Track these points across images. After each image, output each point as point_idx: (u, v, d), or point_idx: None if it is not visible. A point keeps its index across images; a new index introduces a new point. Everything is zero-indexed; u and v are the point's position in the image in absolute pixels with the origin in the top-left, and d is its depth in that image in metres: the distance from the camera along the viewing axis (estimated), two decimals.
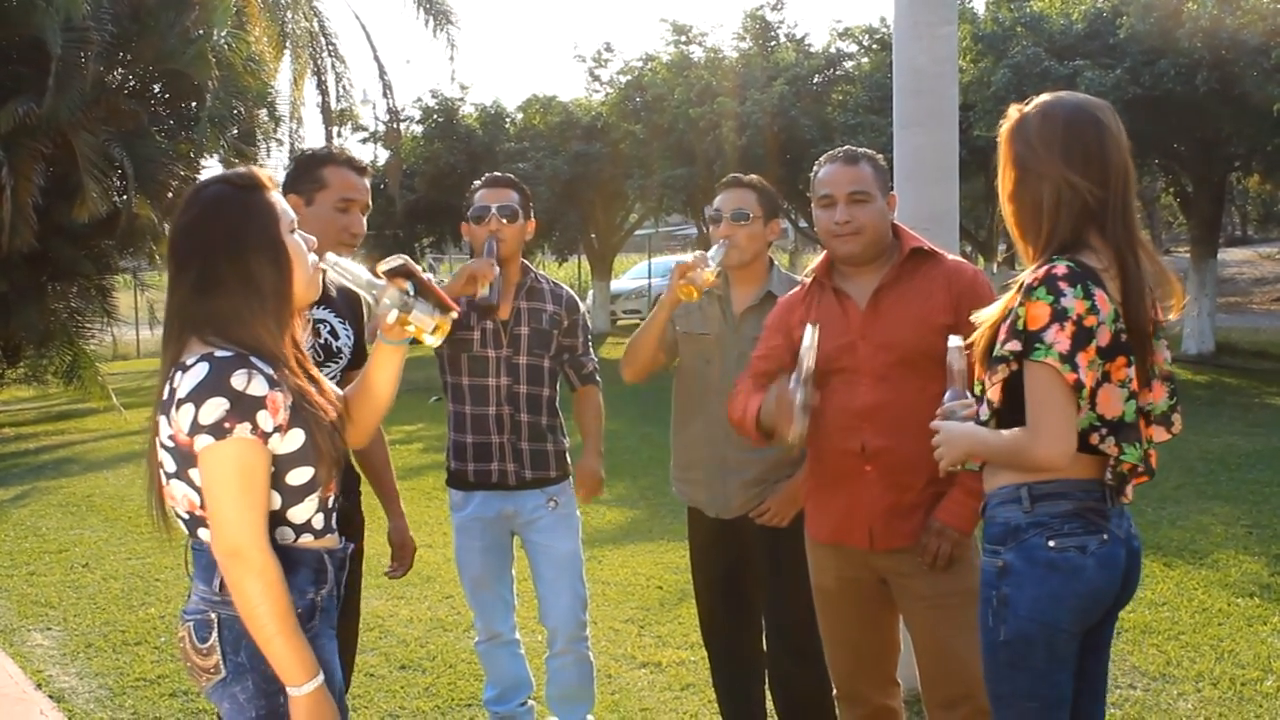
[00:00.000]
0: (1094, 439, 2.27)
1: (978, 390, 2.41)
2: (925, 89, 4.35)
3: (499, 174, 3.79)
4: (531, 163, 20.71)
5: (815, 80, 19.14)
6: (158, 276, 17.49)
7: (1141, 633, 4.91)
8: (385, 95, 21.57)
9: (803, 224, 20.36)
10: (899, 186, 4.18)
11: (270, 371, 2.03)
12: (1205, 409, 11.46)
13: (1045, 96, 2.40)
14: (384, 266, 2.15)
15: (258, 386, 1.99)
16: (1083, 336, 2.19)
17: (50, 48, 11.45)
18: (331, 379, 3.03)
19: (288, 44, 18.82)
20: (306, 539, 2.13)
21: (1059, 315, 2.19)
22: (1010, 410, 2.29)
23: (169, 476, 2.07)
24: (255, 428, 1.98)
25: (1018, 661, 2.31)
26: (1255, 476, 8.22)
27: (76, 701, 4.58)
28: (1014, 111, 2.40)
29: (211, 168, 14.43)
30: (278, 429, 2.01)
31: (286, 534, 2.10)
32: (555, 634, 3.74)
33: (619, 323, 25.78)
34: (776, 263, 3.58)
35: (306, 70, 19.82)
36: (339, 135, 22.07)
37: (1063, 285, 2.20)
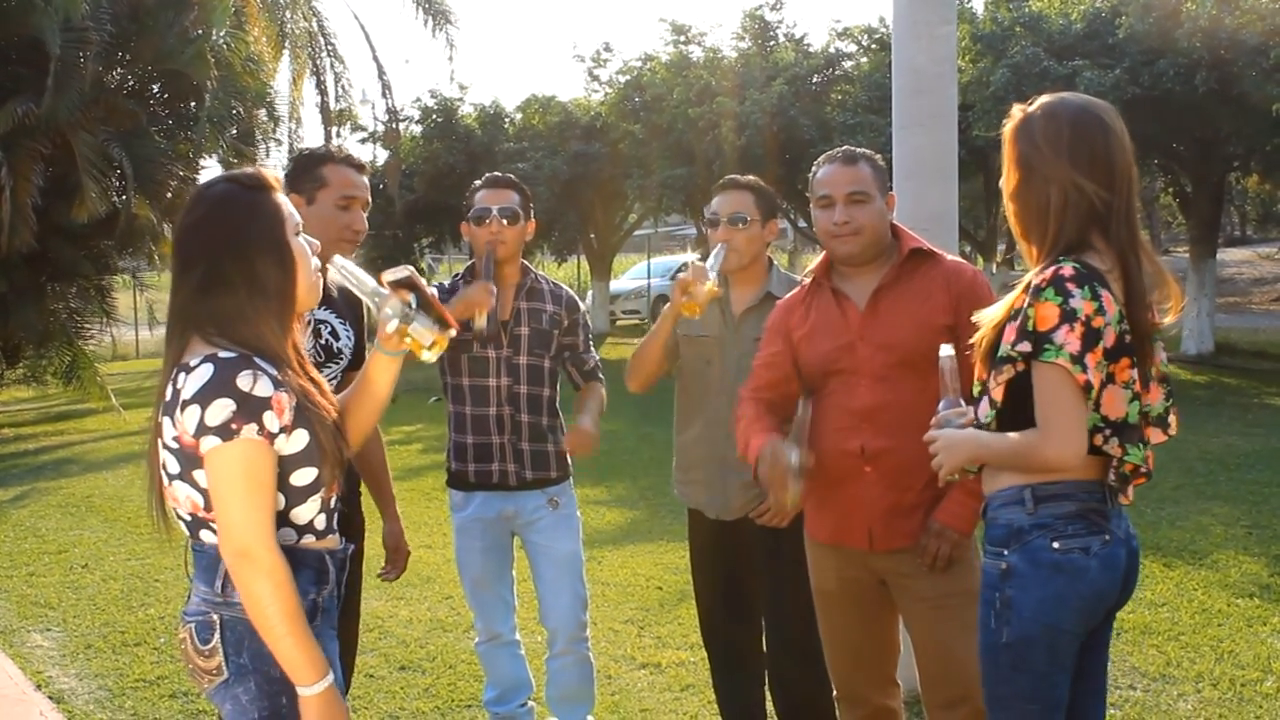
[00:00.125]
0: (1098, 440, 2.27)
1: (976, 390, 2.41)
2: (924, 89, 4.35)
3: (499, 174, 3.79)
4: (530, 163, 20.71)
5: (814, 80, 19.16)
6: (157, 277, 17.49)
7: (1141, 633, 4.91)
8: (384, 95, 21.57)
9: (802, 224, 20.37)
10: (898, 186, 4.18)
11: (274, 372, 2.03)
12: (1204, 409, 11.47)
13: (1049, 97, 2.40)
14: (389, 276, 2.16)
15: (263, 387, 1.99)
16: (1091, 337, 2.20)
17: (49, 48, 11.44)
18: (332, 380, 3.04)
19: (286, 44, 18.82)
20: (309, 540, 2.13)
21: (1068, 316, 2.19)
22: (1012, 411, 2.29)
23: (171, 478, 2.07)
24: (262, 428, 1.98)
25: (1019, 664, 2.31)
26: (1254, 477, 8.23)
27: (76, 702, 4.58)
28: (1018, 111, 2.40)
29: (210, 168, 14.46)
30: (283, 429, 2.01)
31: (289, 535, 2.10)
32: (555, 635, 3.74)
33: (618, 323, 25.80)
34: (776, 263, 3.57)
35: (305, 70, 19.81)
36: (338, 135, 22.08)
37: (1070, 286, 2.21)
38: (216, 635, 2.06)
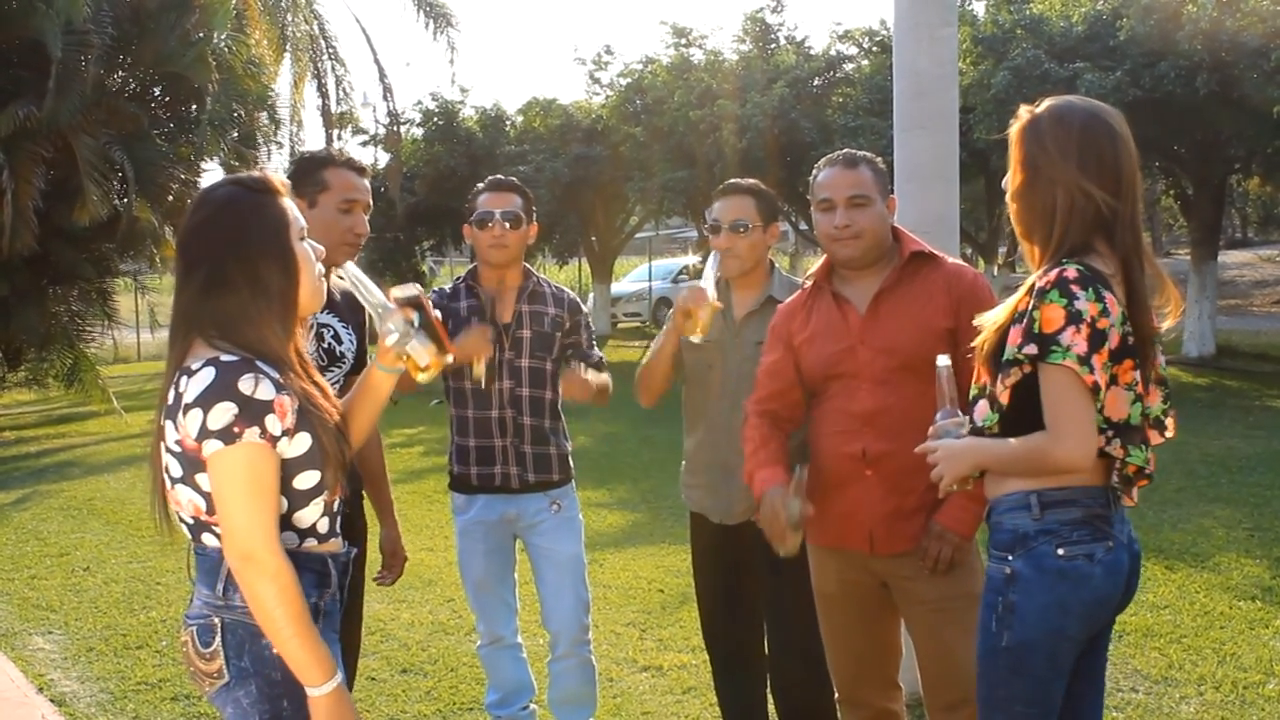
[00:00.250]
0: (1100, 441, 2.27)
1: (974, 393, 2.41)
2: (925, 91, 4.35)
3: (502, 178, 3.79)
4: (532, 165, 20.71)
5: (815, 83, 19.16)
6: (158, 280, 17.51)
7: (1143, 636, 4.90)
8: (385, 98, 21.62)
9: (803, 227, 20.37)
10: (899, 189, 4.18)
11: (276, 375, 2.03)
12: (1206, 412, 11.46)
13: (1057, 99, 2.39)
14: (397, 293, 2.21)
15: (265, 390, 1.99)
16: (1097, 339, 2.20)
17: (50, 51, 11.45)
18: (334, 384, 3.04)
19: (288, 47, 18.86)
20: (311, 543, 2.13)
21: (1074, 318, 2.19)
22: (1017, 414, 2.29)
23: (174, 481, 2.07)
24: (264, 432, 1.98)
25: (1019, 667, 2.31)
26: (1256, 479, 8.22)
27: (78, 705, 4.58)
28: (1025, 112, 2.39)
29: (212, 171, 14.47)
30: (285, 433, 2.01)
31: (291, 539, 2.09)
32: (558, 638, 3.74)
33: (619, 326, 25.81)
34: (777, 266, 3.57)
35: (306, 73, 19.86)
36: (339, 138, 22.11)
37: (1075, 288, 2.21)
38: (218, 638, 2.06)
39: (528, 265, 3.78)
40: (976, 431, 2.37)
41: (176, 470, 2.05)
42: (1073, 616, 2.29)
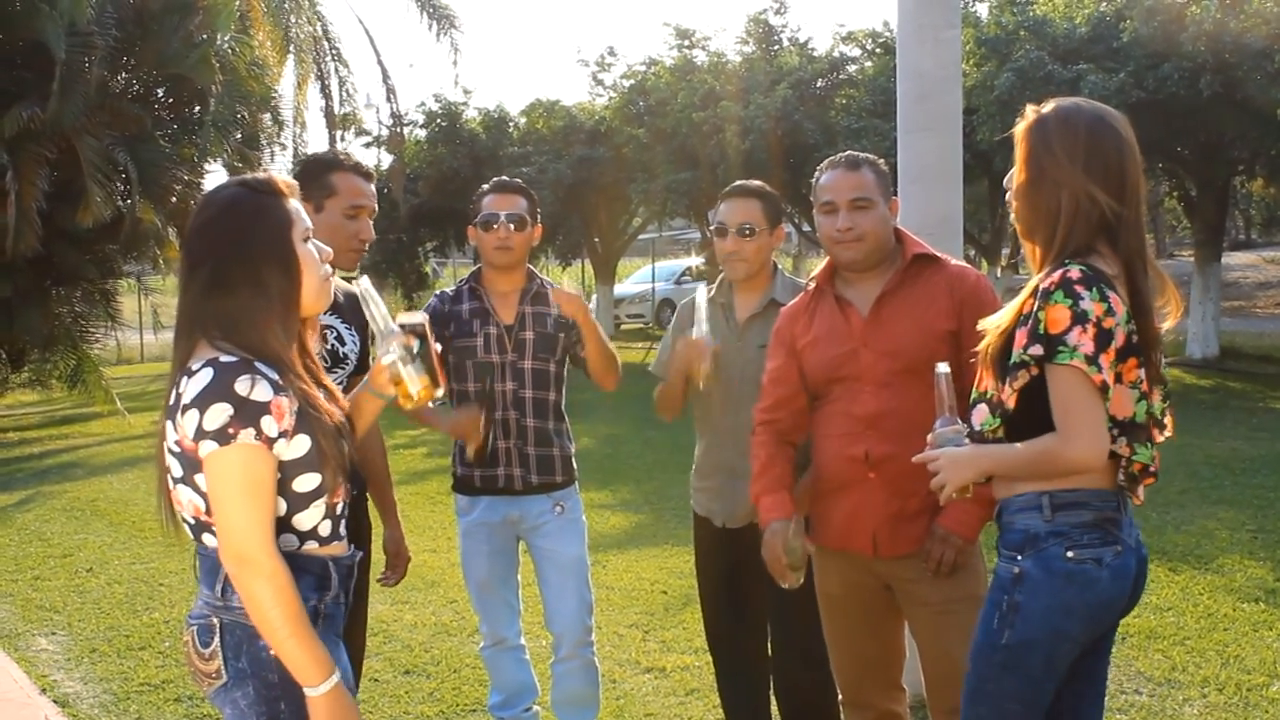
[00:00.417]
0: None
1: (975, 395, 2.41)
2: (929, 93, 4.35)
3: (507, 179, 3.79)
4: (535, 167, 20.71)
5: (819, 84, 19.14)
6: (161, 281, 17.54)
7: (1147, 638, 4.90)
8: (389, 99, 21.74)
9: (806, 228, 20.36)
10: (903, 191, 4.18)
11: (275, 376, 2.03)
12: (1209, 413, 11.44)
13: (1063, 101, 2.38)
14: (404, 319, 2.25)
15: (262, 392, 1.99)
16: (1104, 338, 2.20)
17: (54, 52, 11.47)
18: (338, 385, 3.04)
19: (291, 48, 18.85)
20: (311, 546, 2.12)
21: (1080, 318, 2.19)
22: (1024, 416, 2.29)
23: (175, 481, 2.07)
24: (260, 433, 1.98)
25: (1013, 665, 2.31)
26: (1260, 481, 8.21)
27: (81, 706, 4.58)
28: (1031, 112, 2.39)
29: (215, 172, 14.50)
30: (283, 434, 2.01)
31: (290, 541, 2.09)
32: (561, 639, 3.74)
33: (622, 327, 25.80)
34: (780, 268, 3.57)
35: (310, 74, 19.87)
36: (342, 139, 22.14)
37: (1079, 289, 2.21)
38: (216, 639, 2.06)
39: (531, 267, 3.78)
40: (975, 436, 2.37)
41: (177, 470, 2.05)
42: (1076, 619, 2.29)
